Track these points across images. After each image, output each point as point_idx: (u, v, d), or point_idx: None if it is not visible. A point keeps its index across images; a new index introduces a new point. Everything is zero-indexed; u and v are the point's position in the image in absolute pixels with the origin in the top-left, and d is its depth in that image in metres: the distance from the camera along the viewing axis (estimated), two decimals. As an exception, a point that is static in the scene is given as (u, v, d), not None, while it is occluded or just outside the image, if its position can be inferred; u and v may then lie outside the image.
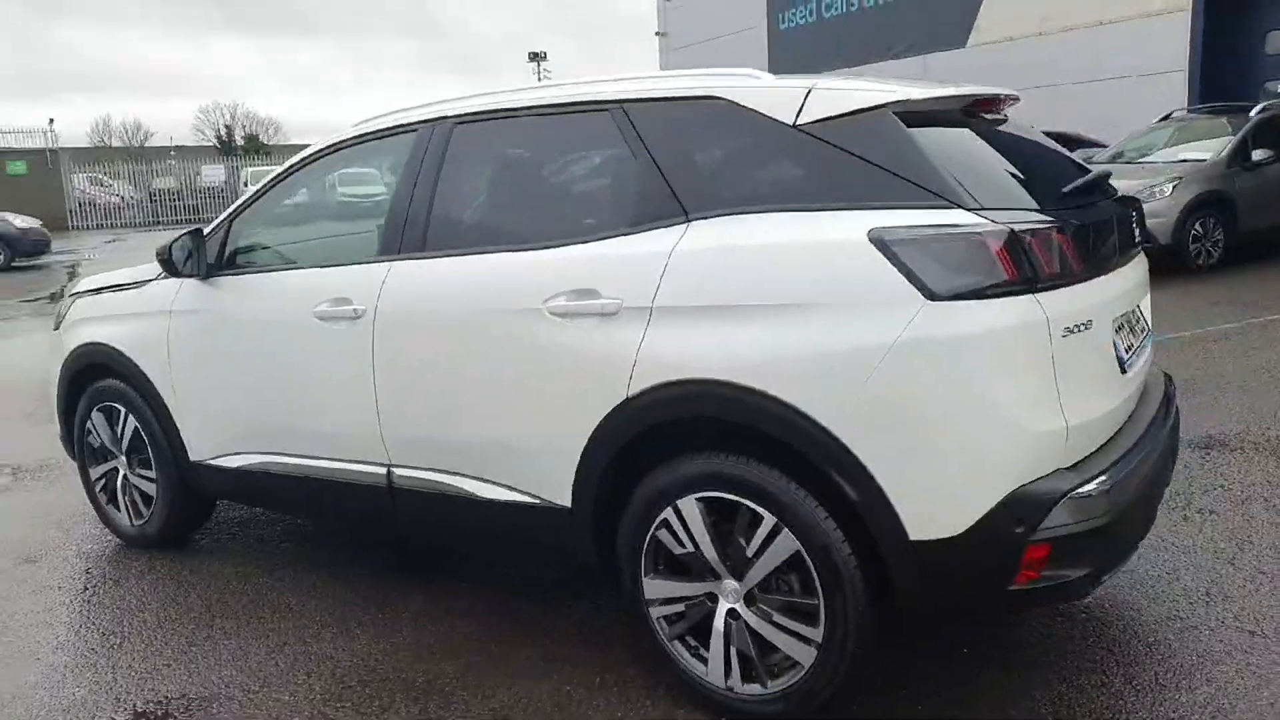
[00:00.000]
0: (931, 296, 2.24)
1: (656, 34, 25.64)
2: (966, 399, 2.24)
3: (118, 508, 4.13)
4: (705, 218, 2.56)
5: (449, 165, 3.11)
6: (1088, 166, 2.85)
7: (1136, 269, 2.88)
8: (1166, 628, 2.97)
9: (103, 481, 4.17)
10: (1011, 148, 2.74)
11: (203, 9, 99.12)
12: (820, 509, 2.38)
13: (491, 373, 2.87)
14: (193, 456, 3.75)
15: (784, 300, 2.39)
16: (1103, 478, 2.33)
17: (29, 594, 3.71)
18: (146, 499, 4.00)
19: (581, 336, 2.67)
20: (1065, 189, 2.59)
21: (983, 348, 2.23)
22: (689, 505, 2.56)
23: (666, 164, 2.68)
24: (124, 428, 3.97)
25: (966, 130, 2.66)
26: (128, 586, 3.74)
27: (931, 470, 2.28)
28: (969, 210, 2.29)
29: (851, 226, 2.33)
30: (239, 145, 54.54)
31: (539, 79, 50.75)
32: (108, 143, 56.25)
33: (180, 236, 3.56)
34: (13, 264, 17.76)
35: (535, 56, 49.18)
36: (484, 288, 2.90)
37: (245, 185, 29.14)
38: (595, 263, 2.69)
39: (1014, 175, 2.57)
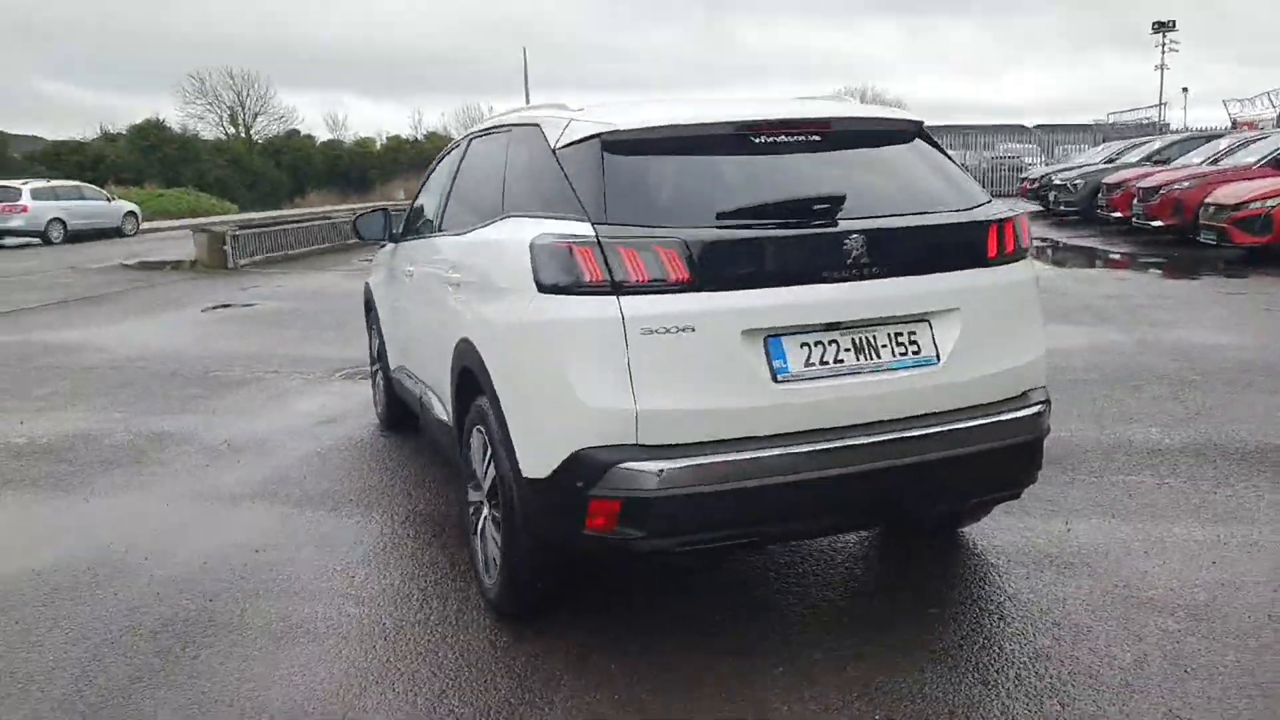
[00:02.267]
0: (540, 289, 2.86)
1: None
2: (550, 371, 2.84)
3: (375, 396, 6.09)
4: (503, 219, 3.39)
5: (461, 169, 4.29)
6: (830, 196, 2.96)
7: (876, 290, 2.93)
8: (893, 652, 3.02)
9: (373, 377, 6.16)
10: (747, 170, 3.06)
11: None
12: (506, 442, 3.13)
13: (434, 318, 4.03)
14: (391, 366, 5.48)
15: (494, 283, 3.19)
16: (671, 462, 2.72)
17: (309, 439, 5.80)
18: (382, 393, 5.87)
19: (454, 299, 3.69)
20: (735, 209, 2.87)
21: (564, 333, 2.80)
22: (473, 433, 3.46)
23: (507, 174, 3.55)
24: (375, 343, 5.87)
25: (698, 154, 3.06)
26: (364, 445, 5.63)
27: (533, 423, 2.94)
28: (593, 224, 2.83)
29: (532, 232, 3.02)
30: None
31: (1163, 51, 45.24)
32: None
33: (368, 212, 5.24)
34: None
35: (1161, 26, 43.76)
36: (434, 260, 4.06)
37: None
38: (461, 247, 3.69)
39: (691, 196, 2.95)
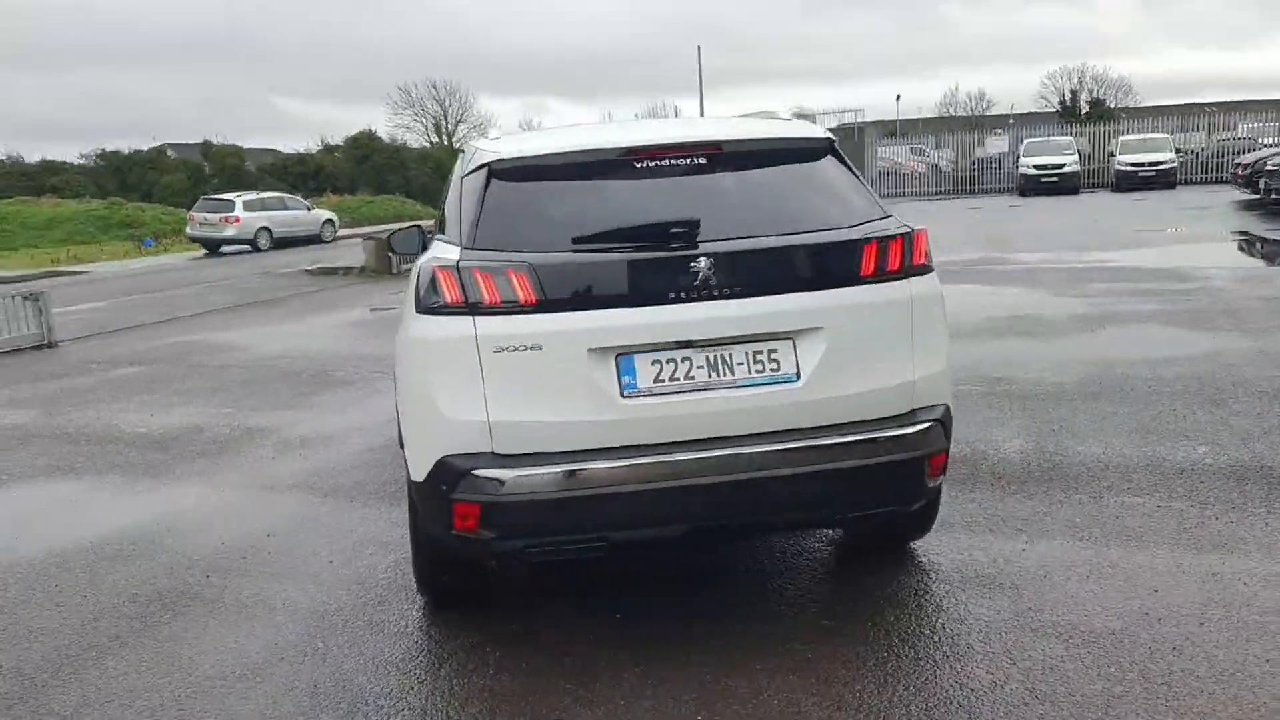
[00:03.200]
0: (417, 309, 3.21)
1: None
2: (420, 384, 3.19)
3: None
4: (434, 241, 3.76)
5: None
6: (687, 220, 3.14)
7: (732, 309, 3.07)
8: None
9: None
10: (625, 195, 3.28)
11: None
12: None
13: None
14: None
15: (406, 302, 3.56)
16: (521, 470, 3.00)
17: (371, 435, 6.40)
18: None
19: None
20: (592, 234, 3.10)
21: (429, 349, 3.14)
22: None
23: (443, 199, 3.93)
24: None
25: (580, 180, 3.31)
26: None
27: (413, 430, 3.30)
28: (462, 249, 3.16)
29: (432, 257, 3.37)
30: (1083, 110, 54.63)
31: None
32: (952, 113, 61.78)
33: (404, 229, 5.76)
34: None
35: None
36: None
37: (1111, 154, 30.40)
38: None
39: (558, 221, 3.21)
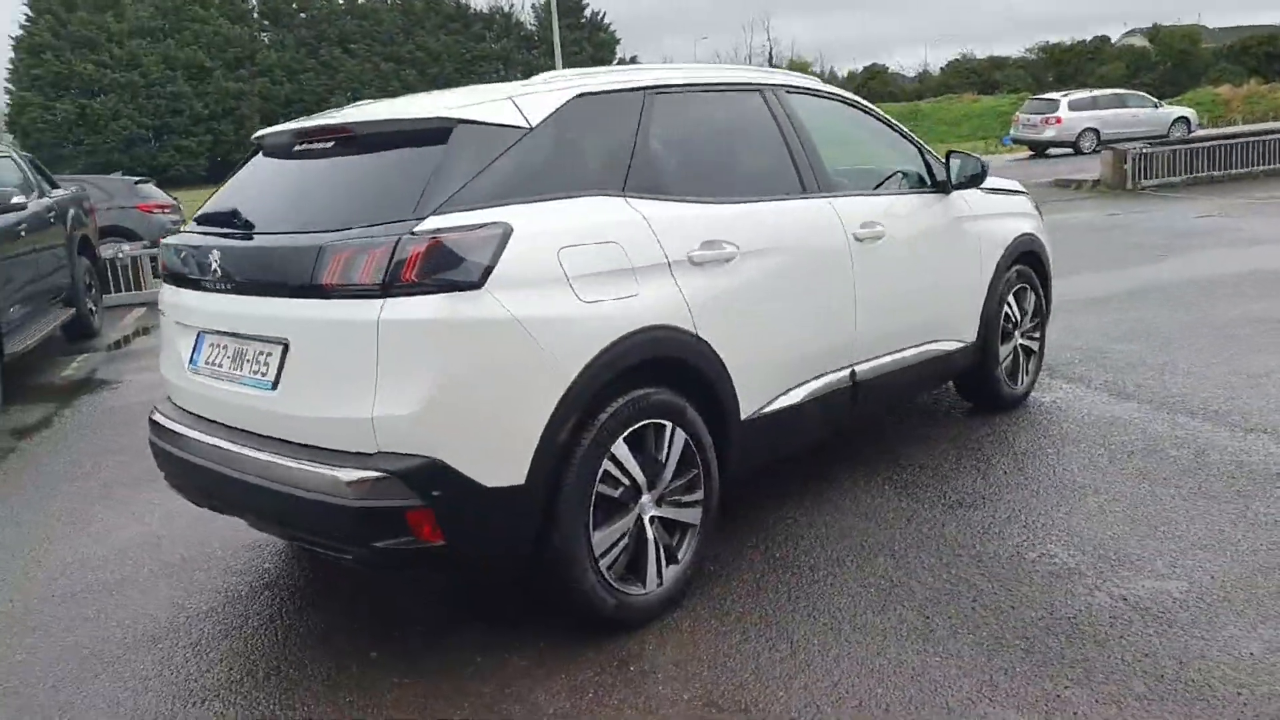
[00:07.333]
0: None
1: None
2: None
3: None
4: None
5: None
6: (235, 210, 3.26)
7: (243, 306, 3.18)
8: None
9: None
10: (270, 178, 3.53)
11: None
12: None
13: None
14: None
15: None
16: (156, 417, 3.71)
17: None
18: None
19: None
20: (201, 215, 3.49)
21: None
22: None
23: None
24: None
25: (270, 160, 3.65)
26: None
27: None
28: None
29: None
30: None
31: None
32: None
33: None
34: None
35: None
36: None
37: None
38: None
39: (223, 200, 3.61)
